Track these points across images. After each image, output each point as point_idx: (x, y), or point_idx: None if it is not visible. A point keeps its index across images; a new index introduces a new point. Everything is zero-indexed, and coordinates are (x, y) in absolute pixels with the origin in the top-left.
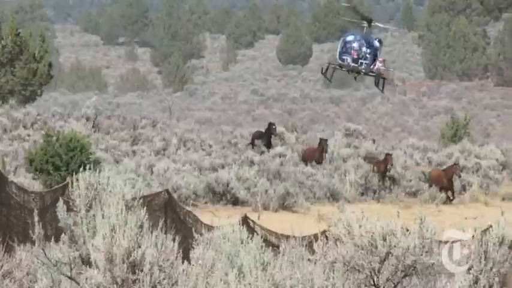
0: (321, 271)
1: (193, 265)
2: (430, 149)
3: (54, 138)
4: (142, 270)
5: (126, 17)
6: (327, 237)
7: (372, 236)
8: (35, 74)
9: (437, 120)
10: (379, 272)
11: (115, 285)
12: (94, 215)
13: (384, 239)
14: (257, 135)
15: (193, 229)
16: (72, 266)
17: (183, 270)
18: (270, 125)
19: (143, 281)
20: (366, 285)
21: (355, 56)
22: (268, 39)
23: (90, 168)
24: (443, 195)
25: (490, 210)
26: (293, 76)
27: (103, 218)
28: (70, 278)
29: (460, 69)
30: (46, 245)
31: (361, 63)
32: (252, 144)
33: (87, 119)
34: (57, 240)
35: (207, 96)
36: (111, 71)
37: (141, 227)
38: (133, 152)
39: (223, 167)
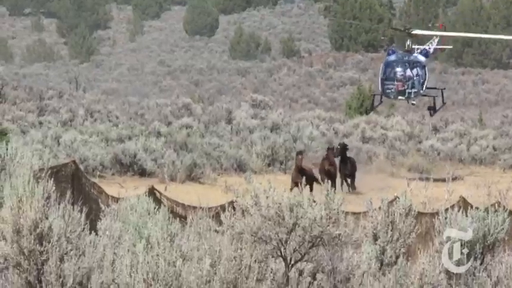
0: (229, 242)
1: (100, 236)
2: (336, 120)
3: None
4: (49, 242)
5: None
6: (234, 208)
7: (279, 207)
8: None
9: (343, 91)
10: (286, 242)
11: (22, 257)
12: (1, 186)
13: (291, 210)
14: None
15: (99, 200)
16: None
17: (91, 242)
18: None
19: (51, 252)
20: (273, 256)
21: (401, 88)
22: (175, 10)
23: None
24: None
25: (397, 181)
26: (200, 47)
27: (10, 189)
28: None
29: (366, 41)
30: None
31: (409, 94)
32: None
33: None
34: None
35: (113, 67)
36: (17, 42)
37: (48, 198)
38: (40, 123)
39: (130, 138)
